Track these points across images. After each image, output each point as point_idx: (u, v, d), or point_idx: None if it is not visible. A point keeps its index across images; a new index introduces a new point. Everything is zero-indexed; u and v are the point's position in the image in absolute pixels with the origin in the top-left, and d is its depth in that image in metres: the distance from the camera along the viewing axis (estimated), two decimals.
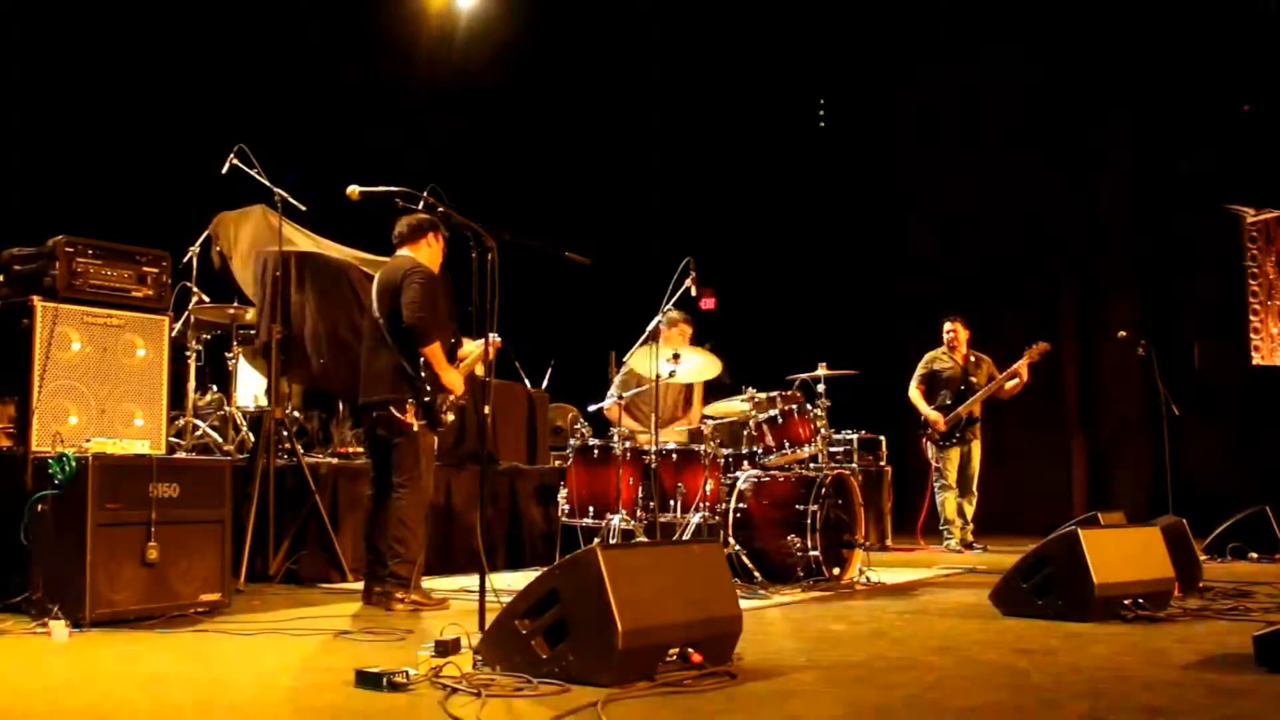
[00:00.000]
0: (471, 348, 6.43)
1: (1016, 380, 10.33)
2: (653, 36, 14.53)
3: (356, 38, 12.19)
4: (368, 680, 3.79)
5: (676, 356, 7.41)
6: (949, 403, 10.34)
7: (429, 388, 6.00)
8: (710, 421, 7.94)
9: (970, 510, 10.45)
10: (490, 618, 4.19)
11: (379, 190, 5.30)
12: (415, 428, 5.96)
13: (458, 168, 10.83)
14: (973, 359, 10.58)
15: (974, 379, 10.41)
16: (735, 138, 15.04)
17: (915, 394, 10.52)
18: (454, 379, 6.11)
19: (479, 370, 6.25)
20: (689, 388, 8.39)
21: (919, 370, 10.61)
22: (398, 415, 5.93)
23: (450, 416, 6.16)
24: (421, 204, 5.63)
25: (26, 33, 9.79)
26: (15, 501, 5.35)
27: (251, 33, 10.98)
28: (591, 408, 8.27)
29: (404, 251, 6.21)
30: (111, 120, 10.04)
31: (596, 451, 7.45)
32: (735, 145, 15.03)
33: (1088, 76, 14.27)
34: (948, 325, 10.61)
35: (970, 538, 10.43)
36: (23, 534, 5.28)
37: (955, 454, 10.37)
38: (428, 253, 6.21)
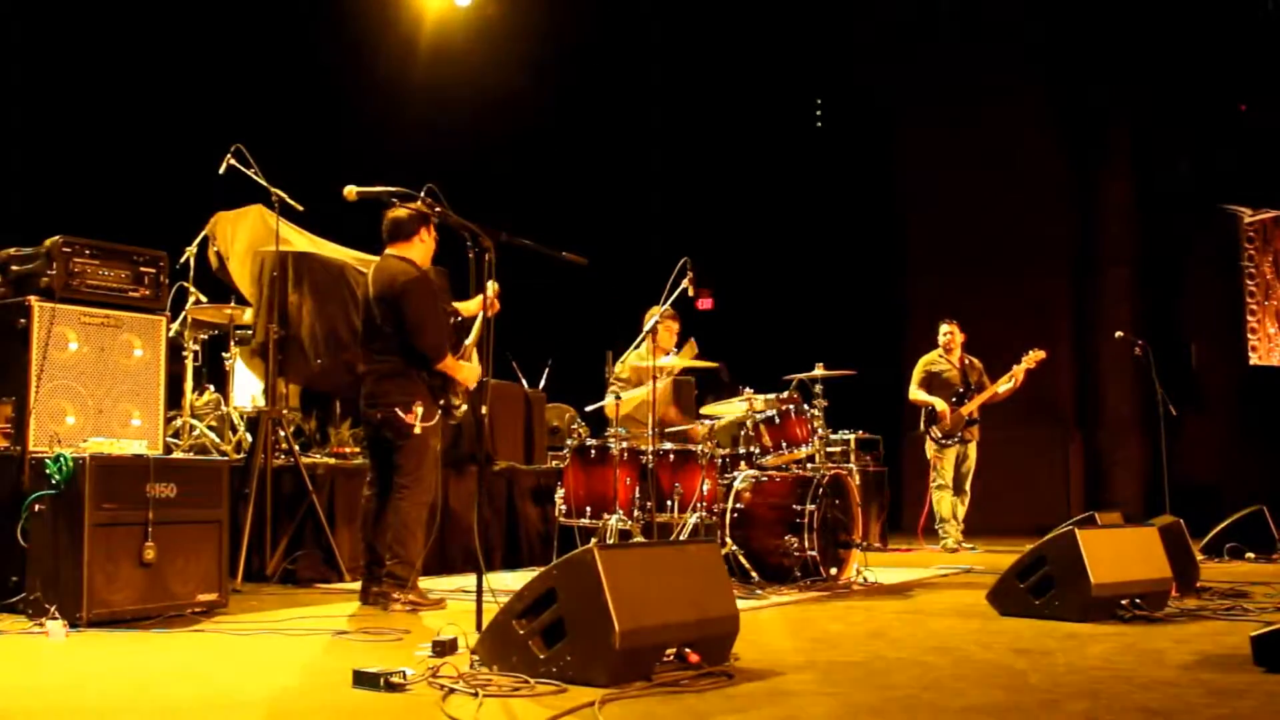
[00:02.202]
0: (469, 308, 6.38)
1: (1011, 384, 10.42)
2: (653, 36, 14.54)
3: (355, 38, 12.19)
4: (365, 680, 3.79)
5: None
6: (951, 402, 10.41)
7: (440, 384, 6.01)
8: (708, 422, 7.94)
9: (963, 511, 10.50)
10: (488, 618, 4.19)
11: (376, 190, 5.29)
12: (420, 429, 5.95)
13: (455, 167, 10.83)
14: (966, 361, 10.66)
15: (971, 380, 10.51)
16: (733, 138, 15.05)
17: (920, 393, 10.57)
18: (469, 375, 6.11)
19: (476, 368, 6.23)
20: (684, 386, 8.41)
21: (918, 373, 10.68)
22: (402, 416, 5.91)
23: (464, 408, 6.16)
24: (419, 204, 5.62)
25: (26, 33, 9.78)
26: (12, 501, 5.35)
27: (249, 33, 10.97)
28: (590, 407, 8.27)
29: (394, 250, 6.16)
30: (109, 120, 10.04)
31: (594, 452, 7.45)
32: (733, 145, 15.04)
33: (1086, 76, 14.30)
34: (945, 328, 10.69)
35: (960, 537, 10.48)
36: (20, 534, 5.28)
37: (953, 454, 10.44)
38: (419, 250, 6.17)
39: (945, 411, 10.38)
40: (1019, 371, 10.39)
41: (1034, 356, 10.40)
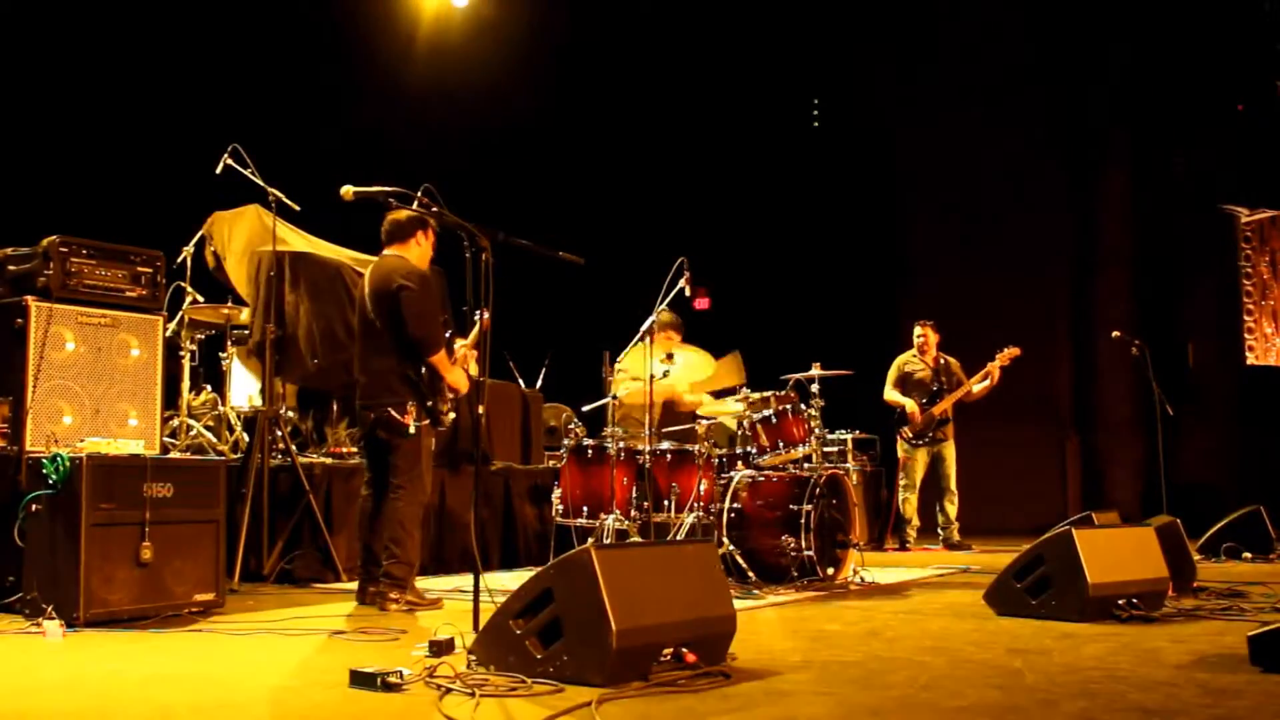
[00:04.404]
0: (464, 343, 6.42)
1: (987, 382, 10.53)
2: (652, 36, 14.53)
3: (352, 37, 12.18)
4: (362, 680, 3.79)
5: (670, 357, 7.42)
6: (923, 403, 10.53)
7: (429, 388, 6.00)
8: (704, 421, 7.94)
9: (953, 510, 10.58)
10: (485, 618, 4.19)
11: (373, 190, 5.28)
12: (414, 429, 5.96)
13: (453, 167, 10.83)
14: (942, 361, 10.80)
15: (944, 380, 10.62)
16: (731, 137, 15.04)
17: (893, 393, 10.79)
18: (458, 378, 6.12)
19: (473, 369, 6.24)
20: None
21: (891, 374, 10.92)
22: (397, 416, 5.92)
23: (451, 415, 6.18)
24: (415, 204, 5.61)
25: (25, 33, 9.78)
26: (10, 501, 5.35)
27: (247, 32, 10.97)
28: (587, 408, 8.27)
29: (392, 251, 6.18)
30: (107, 120, 10.03)
31: (590, 451, 7.45)
32: (731, 145, 15.03)
33: (1084, 76, 14.29)
34: (918, 330, 10.88)
35: (956, 537, 10.54)
36: (17, 534, 5.28)
37: (924, 454, 10.59)
38: (417, 251, 6.19)
39: (915, 413, 10.52)
40: (994, 369, 10.53)
41: (1008, 354, 10.55)
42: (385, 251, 6.21)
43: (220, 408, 8.31)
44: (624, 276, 10.06)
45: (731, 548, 7.08)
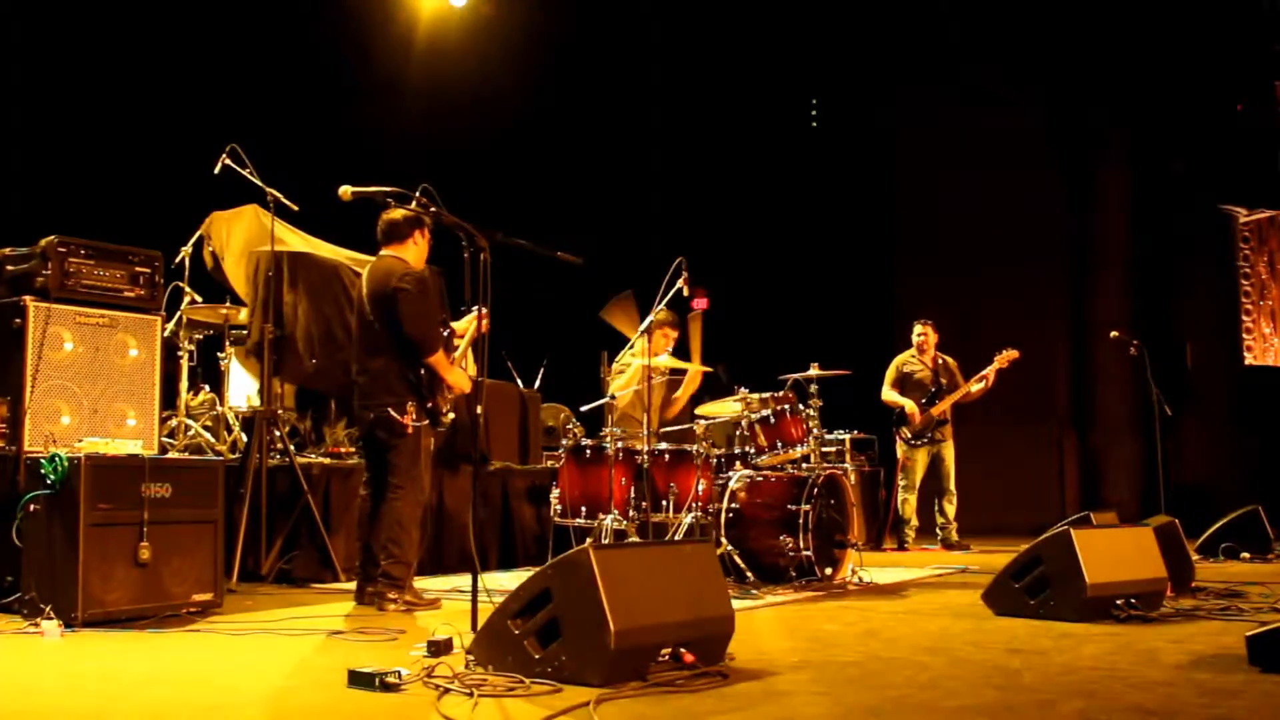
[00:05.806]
0: (462, 326, 6.42)
1: (982, 385, 10.52)
2: (652, 36, 14.53)
3: (351, 37, 12.18)
4: (360, 680, 3.79)
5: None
6: (922, 403, 10.54)
7: (428, 389, 6.00)
8: (703, 422, 7.94)
9: (951, 510, 10.59)
10: (483, 618, 4.19)
11: (371, 190, 5.29)
12: (413, 429, 5.96)
13: (453, 167, 10.83)
14: (940, 361, 10.79)
15: (943, 380, 10.62)
16: (730, 138, 15.04)
17: (891, 393, 10.79)
18: (458, 378, 6.11)
19: (471, 368, 6.25)
20: (672, 385, 8.41)
21: (890, 373, 10.90)
22: (396, 417, 5.92)
23: (450, 415, 6.18)
24: (413, 204, 5.61)
25: (26, 33, 9.78)
26: (8, 501, 5.35)
27: (245, 32, 10.97)
28: (586, 408, 8.27)
29: (389, 251, 6.17)
30: (106, 120, 10.03)
31: (589, 451, 7.45)
32: (730, 145, 15.03)
33: (1083, 75, 14.29)
34: (918, 329, 10.86)
35: (955, 537, 10.54)
36: (15, 534, 5.28)
37: (923, 455, 10.58)
38: (414, 251, 6.18)
39: (914, 413, 10.52)
40: (990, 372, 10.53)
41: (1006, 356, 10.55)
42: (382, 252, 6.20)
43: (218, 408, 8.31)
44: (623, 277, 10.05)
45: (730, 548, 7.08)
